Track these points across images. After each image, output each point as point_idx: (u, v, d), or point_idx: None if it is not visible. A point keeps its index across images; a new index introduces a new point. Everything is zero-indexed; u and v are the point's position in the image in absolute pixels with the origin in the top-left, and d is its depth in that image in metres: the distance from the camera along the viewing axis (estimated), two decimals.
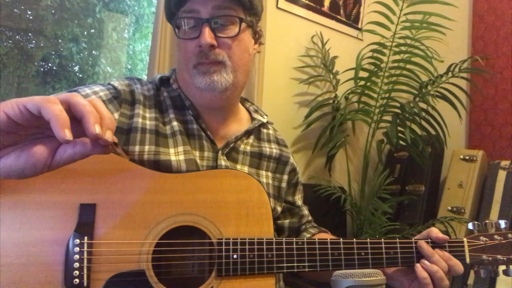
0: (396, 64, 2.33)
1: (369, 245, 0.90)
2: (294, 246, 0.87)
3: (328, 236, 1.15)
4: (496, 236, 0.97)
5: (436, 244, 0.93)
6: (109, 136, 0.57)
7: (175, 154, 0.95)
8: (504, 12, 2.57)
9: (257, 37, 1.06)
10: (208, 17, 0.92)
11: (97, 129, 0.55)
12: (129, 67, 2.30)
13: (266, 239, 0.85)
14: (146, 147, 0.93)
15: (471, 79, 2.45)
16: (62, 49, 2.03)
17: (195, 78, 0.95)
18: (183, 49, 0.97)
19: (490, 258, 0.95)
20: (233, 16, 0.95)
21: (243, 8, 0.97)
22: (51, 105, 0.54)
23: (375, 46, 2.38)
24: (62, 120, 0.53)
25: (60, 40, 2.02)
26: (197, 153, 0.99)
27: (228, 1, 0.93)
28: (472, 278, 2.17)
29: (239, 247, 0.83)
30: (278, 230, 1.14)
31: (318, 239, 0.90)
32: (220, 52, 0.94)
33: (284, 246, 0.86)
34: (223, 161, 1.00)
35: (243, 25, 0.97)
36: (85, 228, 0.75)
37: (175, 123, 0.99)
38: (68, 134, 0.53)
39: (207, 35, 0.91)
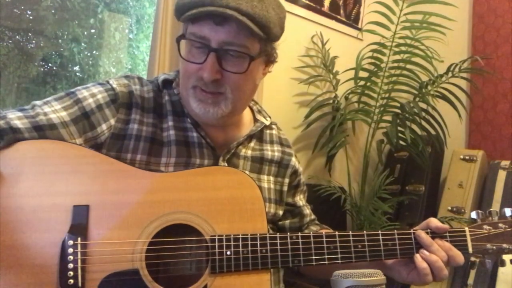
0: (396, 64, 2.33)
1: (365, 237, 0.88)
2: (289, 240, 0.85)
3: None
4: (501, 225, 0.92)
5: (436, 234, 0.90)
6: None
7: (166, 165, 0.94)
8: (504, 12, 2.56)
9: (271, 60, 0.99)
10: (216, 47, 0.86)
11: None
12: (130, 67, 2.31)
13: (259, 234, 0.85)
14: (138, 156, 0.92)
15: (471, 79, 2.45)
16: (62, 49, 2.04)
17: (191, 98, 0.92)
18: (184, 67, 0.92)
19: (494, 247, 0.91)
20: (244, 53, 0.88)
21: (259, 39, 0.89)
22: None
23: (375, 46, 2.38)
24: None
25: (60, 41, 2.03)
26: (197, 161, 0.97)
27: (242, 35, 0.86)
28: (472, 278, 2.17)
29: (232, 243, 0.82)
30: (279, 230, 1.12)
31: (313, 233, 0.88)
32: (223, 85, 0.89)
33: (278, 241, 0.85)
34: None
35: (253, 60, 0.90)
36: (78, 229, 0.76)
37: (172, 132, 0.97)
38: None
39: (211, 69, 0.86)
